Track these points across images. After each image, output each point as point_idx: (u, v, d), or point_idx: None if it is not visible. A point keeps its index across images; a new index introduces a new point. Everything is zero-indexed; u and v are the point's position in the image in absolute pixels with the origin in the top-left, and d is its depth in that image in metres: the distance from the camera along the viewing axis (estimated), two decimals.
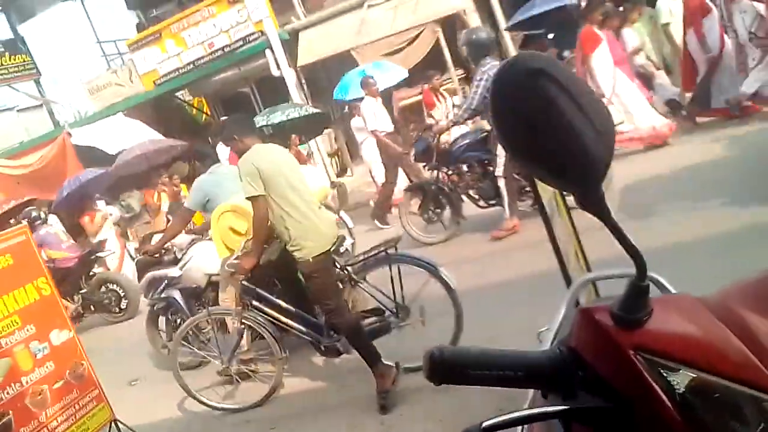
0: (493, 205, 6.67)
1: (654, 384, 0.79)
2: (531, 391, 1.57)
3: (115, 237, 10.49)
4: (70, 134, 12.99)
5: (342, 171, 14.19)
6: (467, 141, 6.75)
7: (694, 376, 0.79)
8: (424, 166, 7.30)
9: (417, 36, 12.50)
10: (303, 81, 13.66)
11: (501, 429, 0.84)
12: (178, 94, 15.73)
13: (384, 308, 4.25)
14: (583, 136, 0.82)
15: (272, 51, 13.01)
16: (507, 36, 11.76)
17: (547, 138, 0.83)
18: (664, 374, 0.79)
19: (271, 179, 3.96)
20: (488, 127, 6.74)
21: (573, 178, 0.85)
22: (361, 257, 4.25)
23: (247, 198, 4.02)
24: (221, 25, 13.57)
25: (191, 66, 14.07)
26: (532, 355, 0.88)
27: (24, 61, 15.98)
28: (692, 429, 0.77)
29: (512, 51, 13.27)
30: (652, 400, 0.79)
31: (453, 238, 6.93)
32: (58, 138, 12.96)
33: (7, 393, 3.90)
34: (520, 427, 1.14)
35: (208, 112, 16.33)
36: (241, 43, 13.53)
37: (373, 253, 4.18)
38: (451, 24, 12.42)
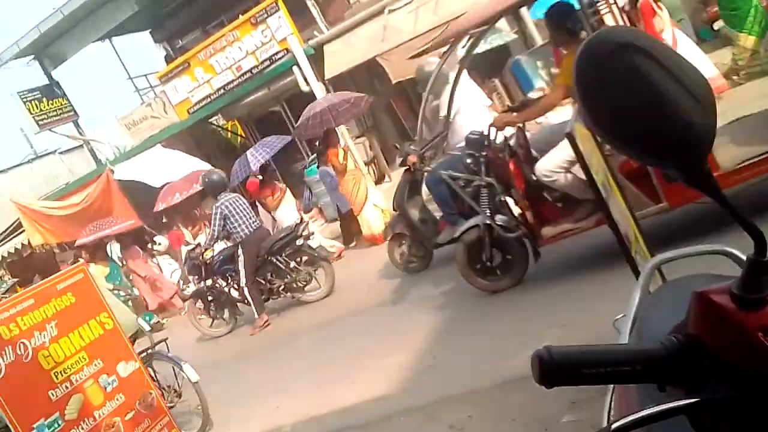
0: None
1: None
2: (611, 387, 1.53)
3: (296, 211, 10.01)
4: (112, 171, 13.29)
5: (380, 178, 14.21)
6: (221, 257, 8.20)
7: None
8: (195, 278, 8.54)
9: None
10: (332, 93, 13.74)
11: (631, 430, 0.80)
12: (212, 119, 15.97)
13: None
14: (683, 107, 0.77)
15: (299, 67, 13.11)
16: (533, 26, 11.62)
17: (643, 113, 0.79)
18: None
19: None
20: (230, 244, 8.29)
21: (675, 154, 0.80)
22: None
23: None
24: (247, 47, 13.74)
25: (222, 91, 14.27)
26: (647, 348, 0.84)
27: (61, 104, 16.45)
28: None
29: (539, 40, 13.16)
30: None
31: (236, 329, 8.46)
32: (101, 176, 13.26)
33: (82, 429, 3.99)
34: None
35: (243, 134, 16.54)
36: (268, 62, 13.68)
37: (142, 351, 4.99)
38: None
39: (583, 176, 4.29)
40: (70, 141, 19.12)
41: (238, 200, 7.77)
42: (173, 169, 12.29)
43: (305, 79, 13.12)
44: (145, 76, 18.88)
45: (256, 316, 7.80)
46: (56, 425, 3.86)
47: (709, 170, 0.80)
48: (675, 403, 0.80)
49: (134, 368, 4.48)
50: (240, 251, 7.80)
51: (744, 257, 1.45)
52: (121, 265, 11.64)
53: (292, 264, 7.83)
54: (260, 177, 10.05)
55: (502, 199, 5.06)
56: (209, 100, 14.48)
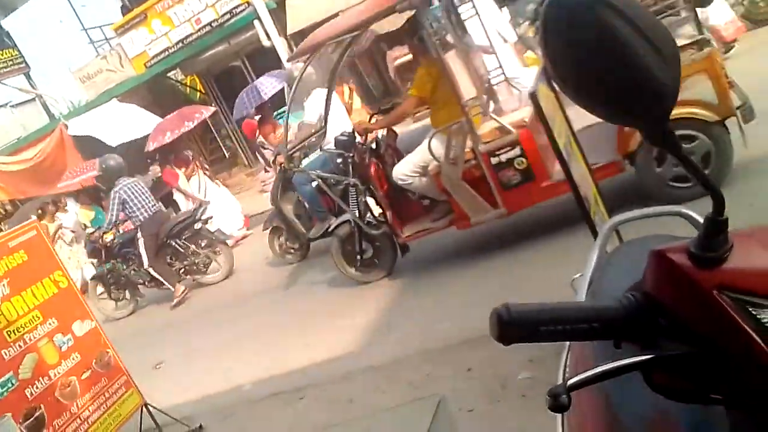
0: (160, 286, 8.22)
1: (742, 323, 0.74)
2: (567, 345, 1.55)
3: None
4: (66, 126, 12.91)
5: None
6: (121, 240, 8.29)
7: None
8: (95, 263, 8.75)
9: None
10: (294, 49, 13.46)
11: (586, 385, 0.80)
12: (170, 74, 15.56)
13: None
14: (648, 65, 0.76)
15: (260, 21, 12.80)
16: None
17: (608, 70, 0.77)
18: (753, 312, 0.75)
19: None
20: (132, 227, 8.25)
21: (639, 111, 0.79)
22: None
23: None
24: (206, 0, 13.34)
25: (180, 44, 13.89)
26: (604, 306, 0.84)
27: (12, 56, 15.79)
28: None
29: None
30: (741, 341, 0.74)
31: (138, 310, 8.76)
32: (54, 131, 12.89)
33: (37, 388, 3.92)
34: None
35: (203, 90, 16.17)
36: (228, 16, 13.32)
37: None
38: None
39: (435, 179, 4.86)
40: (21, 94, 18.45)
41: (137, 185, 7.94)
42: (130, 126, 11.97)
43: (267, 34, 12.83)
44: (100, 27, 18.22)
45: (172, 288, 8.00)
46: (10, 384, 3.79)
47: (671, 128, 0.80)
48: (630, 359, 0.81)
49: (90, 327, 4.40)
50: (139, 234, 8.00)
51: (700, 219, 1.48)
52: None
53: (192, 247, 8.08)
54: (256, 118, 9.60)
55: (363, 199, 5.45)
56: (167, 53, 14.08)
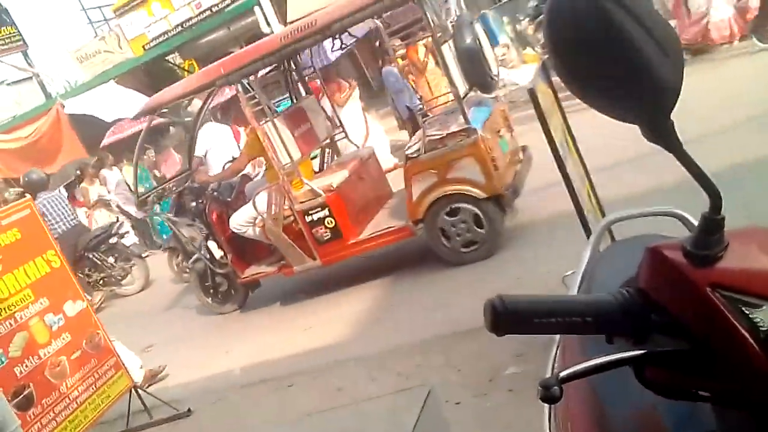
0: None
1: (735, 322, 0.74)
2: (557, 339, 1.56)
3: (362, 111, 8.76)
4: (63, 105, 12.85)
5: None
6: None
7: None
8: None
9: None
10: None
11: (577, 378, 0.81)
12: (169, 57, 15.47)
13: None
14: (652, 61, 0.76)
15: (261, 7, 12.73)
16: None
17: (611, 65, 0.77)
18: (746, 311, 0.75)
19: None
20: None
21: (641, 108, 0.80)
22: None
23: None
24: None
25: (180, 28, 13.79)
26: (597, 300, 0.85)
27: (10, 33, 15.65)
28: None
29: None
30: (733, 340, 0.74)
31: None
32: (51, 109, 12.81)
33: (26, 366, 3.93)
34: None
35: None
36: (228, 1, 13.24)
37: None
38: None
39: (263, 230, 5.40)
40: (18, 72, 18.31)
41: (56, 199, 8.23)
42: (127, 106, 11.90)
43: (267, 21, 12.76)
44: (100, 8, 18.06)
45: (89, 297, 8.40)
46: None
47: (673, 126, 0.80)
48: (624, 354, 0.81)
49: (82, 308, 4.40)
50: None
51: (694, 220, 1.49)
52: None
53: (111, 259, 8.44)
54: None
55: (205, 243, 5.94)
56: (166, 36, 13.99)
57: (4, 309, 3.90)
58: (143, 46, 14.24)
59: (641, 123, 0.81)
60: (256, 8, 12.74)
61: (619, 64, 0.77)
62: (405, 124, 9.61)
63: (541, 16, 10.30)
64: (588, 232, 2.49)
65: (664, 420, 0.93)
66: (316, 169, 6.38)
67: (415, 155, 4.87)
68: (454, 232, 4.91)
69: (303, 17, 6.21)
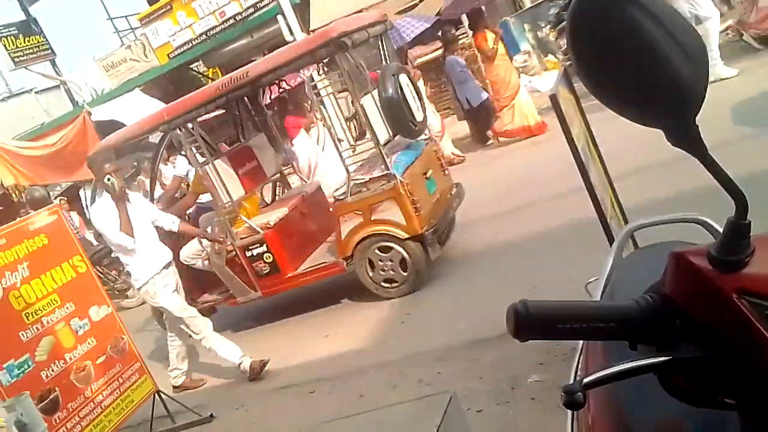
0: None
1: (762, 329, 0.73)
2: (580, 346, 1.55)
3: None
4: (90, 113, 13.01)
5: (361, 135, 14.09)
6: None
7: None
8: None
9: None
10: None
11: (601, 384, 0.80)
12: (193, 66, 15.65)
13: None
14: (675, 64, 0.75)
15: (284, 16, 12.80)
16: None
17: (635, 68, 0.77)
18: None
19: None
20: None
21: (665, 111, 0.79)
22: None
23: None
24: None
25: (204, 37, 13.95)
26: (621, 306, 0.84)
27: (38, 42, 15.95)
28: None
29: (527, 2, 13.00)
30: (760, 347, 0.73)
31: None
32: (78, 117, 12.97)
33: (52, 370, 3.99)
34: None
35: None
36: (252, 10, 13.37)
37: None
38: None
39: (211, 263, 5.64)
40: (46, 80, 18.65)
41: None
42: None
43: (290, 29, 12.83)
44: (126, 17, 18.38)
45: None
46: (26, 366, 3.85)
47: (697, 130, 0.79)
48: (648, 359, 0.80)
49: (106, 313, 4.46)
50: None
51: (718, 227, 1.46)
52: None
53: (113, 273, 8.61)
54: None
55: None
56: (191, 45, 14.15)
57: (31, 314, 3.97)
58: (168, 55, 14.42)
59: (665, 127, 0.80)
60: (279, 17, 12.83)
61: (642, 69, 0.77)
62: (466, 114, 9.51)
63: (562, 23, 10.24)
64: (611, 238, 2.46)
65: (688, 428, 0.92)
66: (269, 201, 6.65)
67: (342, 197, 5.18)
68: (381, 266, 5.17)
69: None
